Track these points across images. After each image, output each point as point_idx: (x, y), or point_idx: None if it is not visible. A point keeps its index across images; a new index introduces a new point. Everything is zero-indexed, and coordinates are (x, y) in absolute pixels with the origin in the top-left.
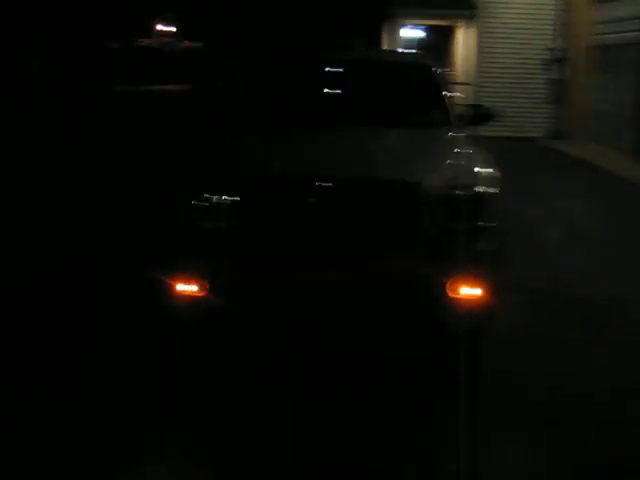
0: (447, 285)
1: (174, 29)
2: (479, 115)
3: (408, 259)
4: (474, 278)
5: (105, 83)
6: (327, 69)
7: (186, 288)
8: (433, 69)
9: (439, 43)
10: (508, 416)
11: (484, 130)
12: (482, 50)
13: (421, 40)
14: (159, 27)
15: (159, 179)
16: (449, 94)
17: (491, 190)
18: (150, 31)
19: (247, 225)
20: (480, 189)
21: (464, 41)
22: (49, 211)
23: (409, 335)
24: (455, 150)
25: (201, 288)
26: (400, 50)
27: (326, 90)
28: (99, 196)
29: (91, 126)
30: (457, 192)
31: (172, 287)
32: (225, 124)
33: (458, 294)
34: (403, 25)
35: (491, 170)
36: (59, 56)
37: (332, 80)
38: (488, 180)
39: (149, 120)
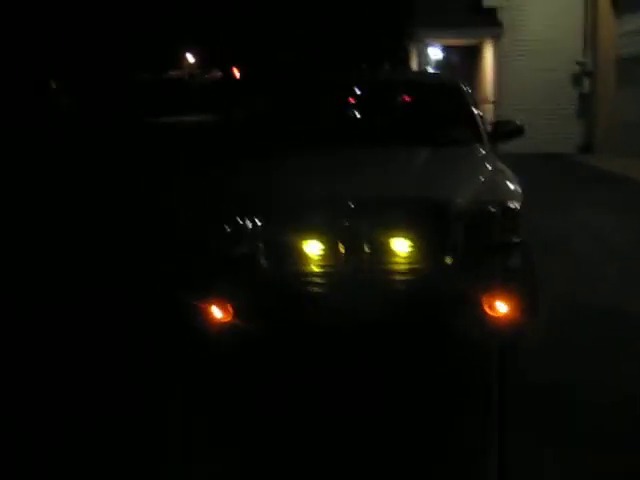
0: (481, 301)
1: (201, 60)
2: (509, 131)
3: (440, 276)
4: (508, 294)
5: (137, 115)
6: (358, 91)
7: (214, 313)
8: (462, 88)
9: (466, 61)
10: (540, 431)
11: (513, 147)
12: (508, 67)
13: (448, 60)
14: (189, 58)
15: (191, 206)
16: (479, 112)
17: (520, 206)
18: (179, 62)
19: (274, 250)
20: (511, 205)
21: (491, 59)
22: (83, 237)
23: (442, 351)
24: (485, 167)
25: (228, 313)
26: (429, 70)
27: (356, 112)
28: (132, 223)
29: (122, 156)
30: (488, 208)
31: (201, 312)
32: (255, 150)
33: (491, 310)
34: (430, 45)
35: (518, 186)
36: (88, 89)
37: (361, 102)
38: (517, 196)
39: (179, 149)
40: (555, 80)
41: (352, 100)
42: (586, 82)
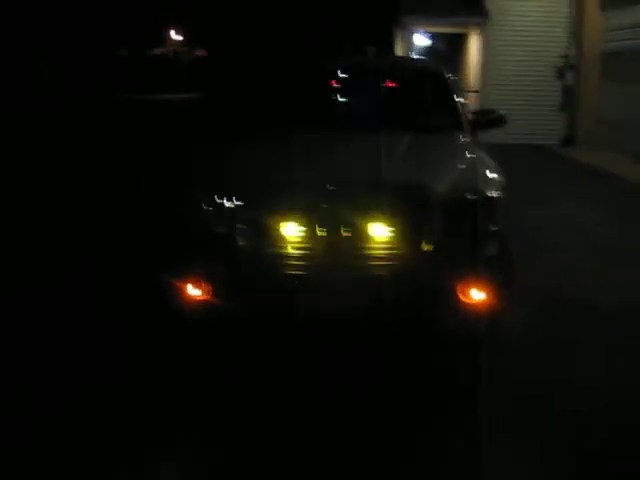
0: (457, 289)
1: (184, 37)
2: (491, 120)
3: (418, 262)
4: (484, 282)
5: (120, 91)
6: (339, 75)
7: (192, 292)
8: (445, 75)
9: (451, 50)
10: (513, 422)
11: (495, 137)
12: (494, 57)
13: (433, 47)
14: (173, 36)
15: (170, 183)
16: (461, 100)
17: (500, 195)
18: (162, 39)
19: (253, 230)
20: (491, 193)
21: (476, 48)
22: (60, 214)
23: (416, 338)
24: (466, 155)
25: (206, 292)
26: (411, 56)
27: (337, 96)
28: (109, 200)
29: (104, 133)
30: (468, 196)
31: (178, 290)
32: (237, 131)
33: (468, 298)
34: (415, 32)
35: (499, 175)
36: (72, 64)
37: (344, 86)
38: (497, 185)
39: (161, 127)
40: (539, 72)
41: (334, 84)
42: (570, 75)
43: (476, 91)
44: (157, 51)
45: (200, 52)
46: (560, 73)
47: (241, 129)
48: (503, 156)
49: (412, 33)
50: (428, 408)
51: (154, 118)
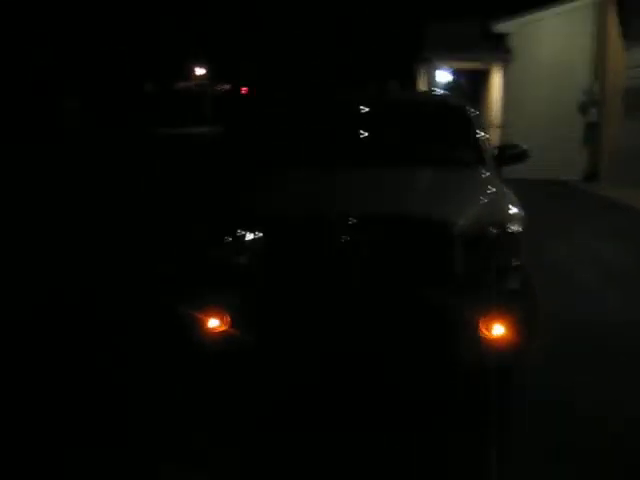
0: (480, 324)
1: (207, 72)
2: (514, 155)
3: (440, 297)
4: (507, 316)
5: (149, 125)
6: (362, 110)
7: (210, 323)
8: (466, 109)
9: (474, 86)
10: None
11: (517, 172)
12: (516, 93)
13: (456, 83)
14: (197, 70)
15: (191, 215)
16: (483, 134)
17: (522, 229)
18: (186, 74)
19: (273, 262)
20: (513, 228)
21: (499, 84)
22: (84, 242)
23: (440, 374)
24: (488, 189)
25: (224, 323)
26: (433, 91)
27: (360, 130)
28: (132, 232)
29: (126, 167)
30: (490, 230)
31: (197, 321)
32: (257, 163)
33: (491, 332)
34: (438, 68)
35: (521, 209)
36: (99, 100)
37: (367, 120)
38: (520, 219)
39: (182, 161)
40: (562, 108)
41: (357, 118)
42: (593, 111)
43: (499, 127)
44: (181, 85)
45: (225, 86)
46: (583, 109)
47: (262, 162)
48: (526, 192)
49: (435, 69)
50: (444, 440)
51: (181, 151)
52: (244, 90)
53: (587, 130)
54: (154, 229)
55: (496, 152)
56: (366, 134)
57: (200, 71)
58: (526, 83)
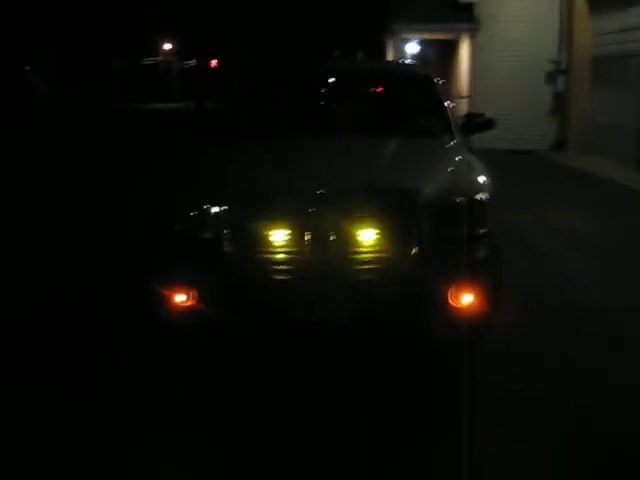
0: (447, 293)
1: (174, 47)
2: (480, 123)
3: (406, 267)
4: (475, 286)
5: (110, 101)
6: (327, 79)
7: (177, 298)
8: (433, 79)
9: (441, 57)
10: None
11: (484, 142)
12: (484, 63)
13: (423, 54)
14: (165, 46)
15: (158, 190)
16: (449, 103)
17: (488, 197)
18: (154, 50)
19: (240, 236)
20: (479, 196)
21: (466, 54)
22: (48, 218)
23: (405, 343)
24: (455, 158)
25: (192, 298)
26: (400, 61)
27: (325, 100)
28: (97, 208)
29: (94, 142)
30: (457, 199)
31: (164, 297)
32: (224, 138)
33: (459, 302)
34: (406, 39)
35: (487, 178)
36: (66, 77)
37: (332, 90)
38: (486, 187)
39: (150, 136)
40: (529, 77)
41: (323, 89)
42: (560, 80)
43: (467, 97)
44: (149, 61)
45: (190, 62)
46: (550, 78)
47: (230, 136)
48: (493, 161)
49: (402, 40)
50: (417, 412)
51: (150, 127)
52: (214, 63)
53: (554, 100)
54: (119, 206)
55: (462, 121)
56: (331, 104)
57: (167, 46)
58: (493, 53)
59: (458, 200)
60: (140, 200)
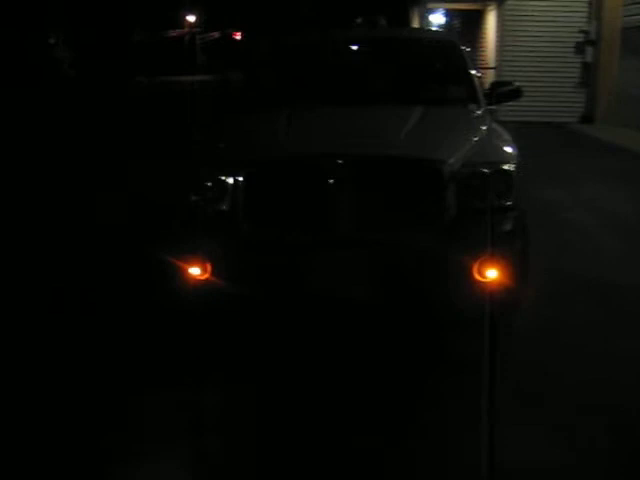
0: (472, 267)
1: (198, 19)
2: (507, 92)
3: (431, 240)
4: (499, 260)
5: (134, 75)
6: (351, 47)
7: (192, 271)
8: (459, 46)
9: (467, 27)
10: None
11: (512, 114)
12: (510, 33)
13: (449, 24)
14: (189, 18)
15: (173, 162)
16: (475, 71)
17: (516, 168)
18: (178, 22)
19: (256, 207)
20: (506, 166)
21: (492, 24)
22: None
23: (432, 320)
24: (481, 127)
25: (206, 272)
26: (425, 28)
27: (350, 68)
28: (113, 179)
29: (112, 114)
30: (482, 170)
31: (178, 269)
32: (243, 107)
33: (485, 277)
34: (430, 9)
35: (514, 148)
36: (87, 49)
37: (356, 58)
38: (513, 158)
39: (167, 109)
40: (558, 48)
41: (345, 57)
42: (589, 51)
43: (493, 68)
44: (172, 33)
45: (213, 34)
46: (579, 49)
47: (248, 106)
48: (520, 134)
49: (427, 10)
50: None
51: (173, 100)
52: (237, 35)
53: (584, 71)
54: (136, 178)
55: (488, 90)
56: (356, 73)
57: (191, 18)
58: (520, 22)
59: (484, 171)
60: (157, 171)
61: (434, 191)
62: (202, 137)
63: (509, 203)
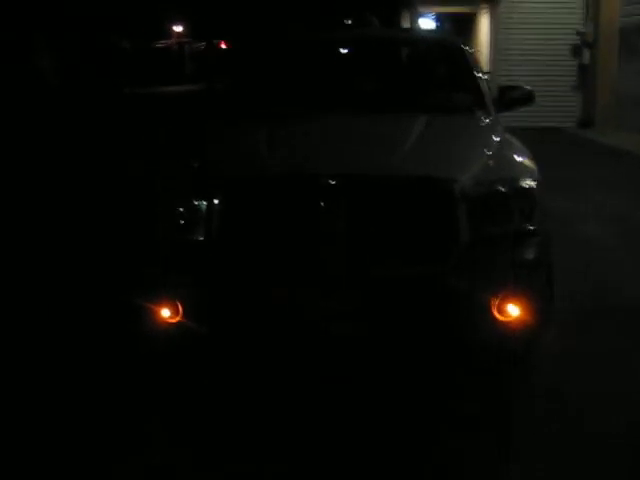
0: (490, 304)
1: (185, 29)
2: (518, 98)
3: (441, 273)
4: (522, 295)
5: (126, 85)
6: (344, 49)
7: (161, 313)
8: (463, 48)
9: (460, 31)
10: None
11: (505, 120)
12: (504, 36)
13: (442, 27)
14: (176, 28)
15: (140, 183)
16: (482, 75)
17: (537, 186)
18: (165, 32)
19: (235, 236)
20: (527, 184)
21: (485, 28)
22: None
23: (442, 365)
24: (492, 138)
25: (176, 314)
26: (425, 29)
27: (343, 72)
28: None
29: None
30: (499, 189)
31: (146, 311)
32: (222, 119)
33: (504, 314)
34: (421, 13)
35: (533, 163)
36: (73, 58)
37: (350, 61)
38: (533, 175)
39: (149, 122)
40: (554, 51)
41: (338, 60)
42: (586, 53)
43: (487, 72)
44: (161, 43)
45: (202, 44)
46: (576, 51)
47: (229, 116)
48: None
49: (418, 14)
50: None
51: (158, 110)
52: (221, 44)
53: (581, 74)
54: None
55: (496, 95)
56: (349, 77)
57: (179, 29)
58: (515, 26)
59: (501, 189)
60: (121, 195)
61: (444, 215)
62: (173, 154)
63: (531, 227)
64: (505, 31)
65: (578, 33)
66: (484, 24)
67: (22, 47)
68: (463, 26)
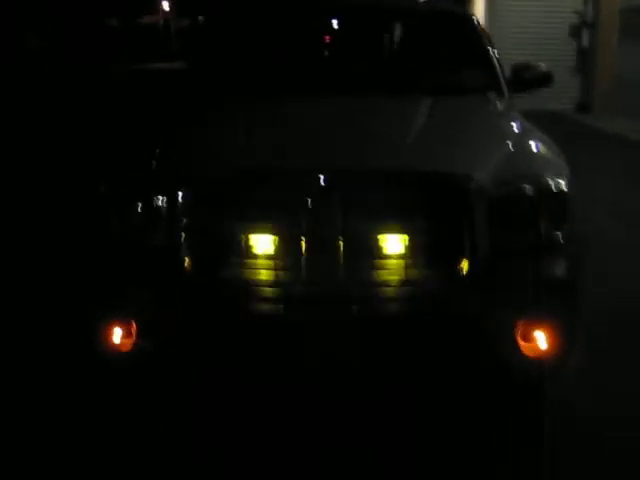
0: (514, 329)
1: (172, 5)
2: (534, 79)
3: (453, 292)
4: (550, 319)
5: (108, 61)
6: (333, 19)
7: (114, 334)
8: (473, 19)
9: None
10: None
11: None
12: (500, 15)
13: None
14: (164, 4)
15: (91, 179)
16: (496, 52)
17: (569, 187)
18: (151, 7)
19: (207, 242)
20: (558, 185)
21: (482, 6)
22: None
23: (451, 397)
24: (510, 126)
25: (129, 334)
26: None
27: (333, 47)
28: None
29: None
30: (524, 189)
31: (99, 332)
32: (191, 103)
33: (529, 341)
34: None
35: (561, 156)
36: (60, 34)
37: (340, 34)
38: (563, 171)
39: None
40: (552, 31)
41: (326, 33)
42: (585, 34)
43: None
44: (147, 20)
45: (186, 20)
46: (575, 32)
47: (200, 98)
48: None
49: None
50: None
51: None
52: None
53: (579, 56)
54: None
55: (510, 75)
56: (340, 53)
57: (165, 4)
58: (511, 4)
59: (525, 190)
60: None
61: (456, 221)
62: (132, 142)
63: (563, 236)
64: (500, 9)
65: (576, 12)
66: (479, 2)
67: (9, 28)
68: (457, 4)
